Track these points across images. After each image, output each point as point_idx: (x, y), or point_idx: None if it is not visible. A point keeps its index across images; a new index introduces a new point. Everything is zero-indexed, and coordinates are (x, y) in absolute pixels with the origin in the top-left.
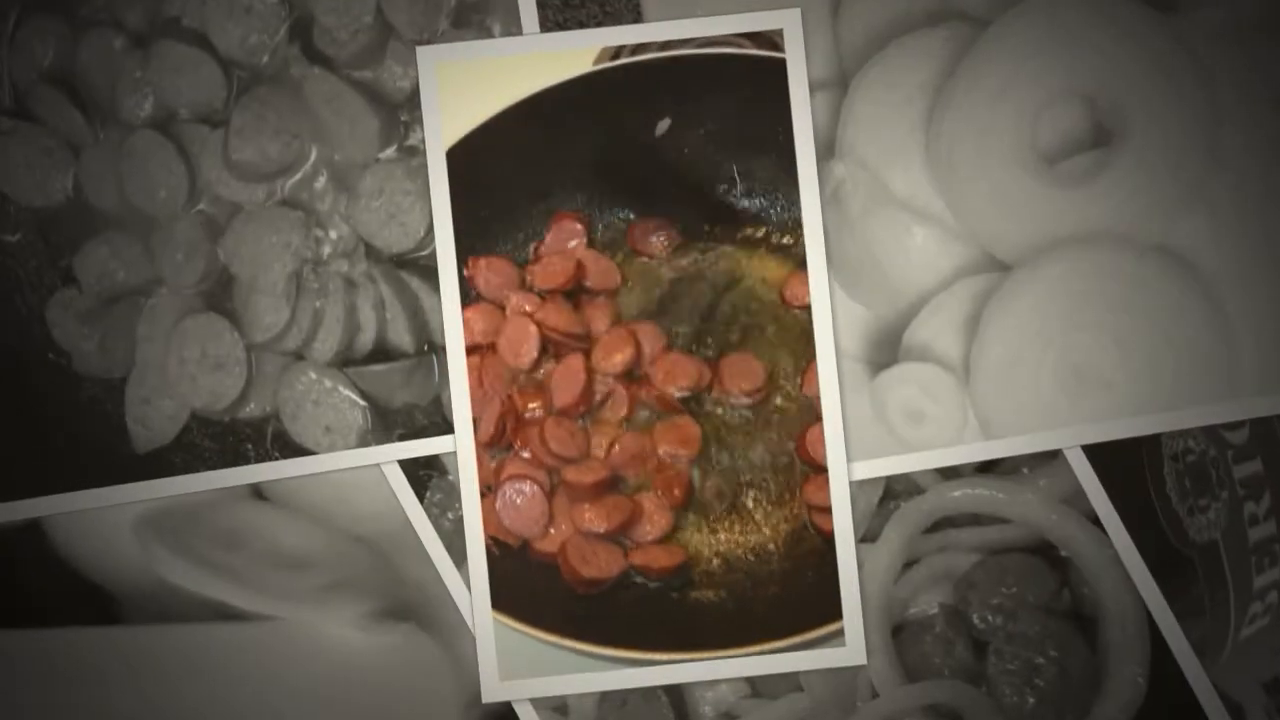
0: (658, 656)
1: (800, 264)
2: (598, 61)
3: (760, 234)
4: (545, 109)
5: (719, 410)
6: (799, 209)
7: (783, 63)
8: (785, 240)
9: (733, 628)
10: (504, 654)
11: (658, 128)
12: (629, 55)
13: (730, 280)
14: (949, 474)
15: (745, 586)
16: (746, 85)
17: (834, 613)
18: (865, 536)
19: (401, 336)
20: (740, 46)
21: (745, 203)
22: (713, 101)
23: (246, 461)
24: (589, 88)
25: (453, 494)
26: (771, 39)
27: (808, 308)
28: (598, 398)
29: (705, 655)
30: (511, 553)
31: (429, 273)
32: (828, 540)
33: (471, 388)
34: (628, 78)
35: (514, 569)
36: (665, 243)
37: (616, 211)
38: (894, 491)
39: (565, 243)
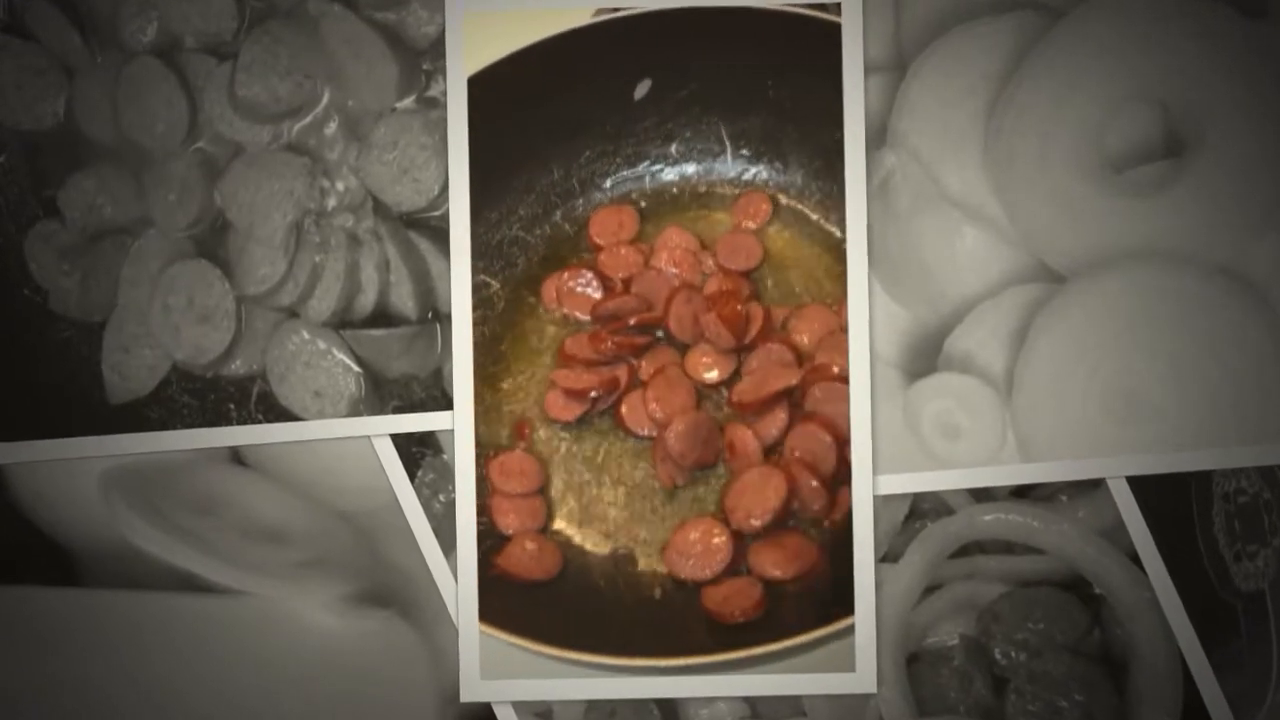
0: (653, 664)
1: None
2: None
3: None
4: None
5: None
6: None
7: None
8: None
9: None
10: (487, 651)
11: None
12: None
13: None
14: (981, 496)
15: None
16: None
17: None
18: (886, 556)
19: (405, 301)
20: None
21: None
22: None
23: (227, 422)
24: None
25: (446, 475)
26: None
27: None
28: None
29: (703, 660)
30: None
31: (440, 235)
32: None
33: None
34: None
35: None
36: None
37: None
38: (921, 510)
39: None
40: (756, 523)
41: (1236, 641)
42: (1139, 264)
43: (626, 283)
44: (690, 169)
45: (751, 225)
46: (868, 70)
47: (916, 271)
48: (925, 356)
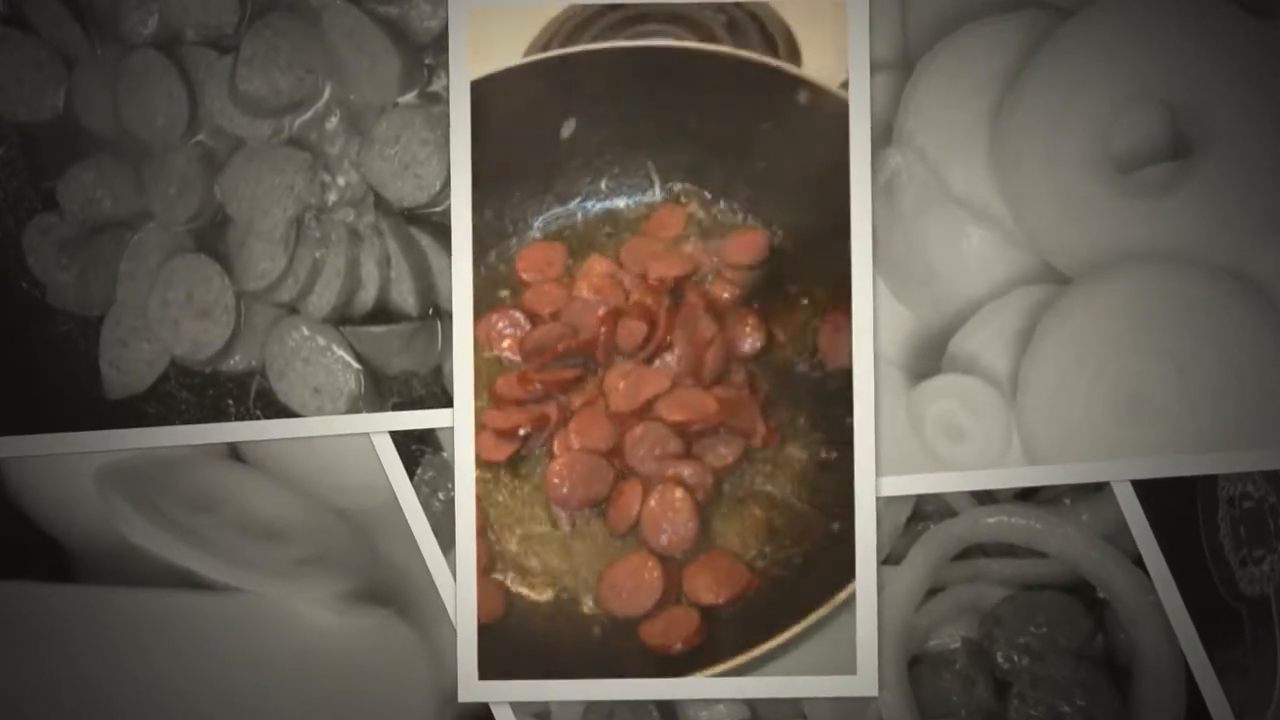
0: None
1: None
2: (528, 53)
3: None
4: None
5: None
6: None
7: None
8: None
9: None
10: (486, 651)
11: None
12: (559, 46)
13: None
14: (985, 498)
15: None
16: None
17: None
18: (888, 558)
19: (405, 298)
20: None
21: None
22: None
23: (226, 418)
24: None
25: (446, 473)
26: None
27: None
28: None
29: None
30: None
31: (441, 231)
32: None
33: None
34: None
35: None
36: None
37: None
38: (924, 512)
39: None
40: (667, 535)
41: (1241, 646)
42: (1145, 265)
43: (555, 317)
44: (621, 204)
45: (666, 234)
46: (873, 69)
47: (921, 272)
48: (929, 357)
